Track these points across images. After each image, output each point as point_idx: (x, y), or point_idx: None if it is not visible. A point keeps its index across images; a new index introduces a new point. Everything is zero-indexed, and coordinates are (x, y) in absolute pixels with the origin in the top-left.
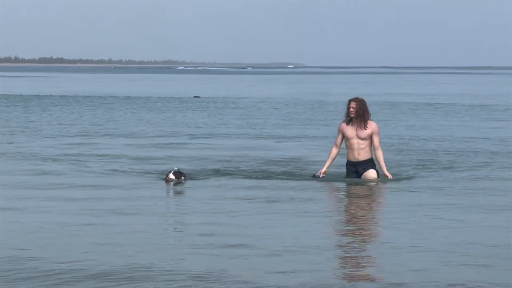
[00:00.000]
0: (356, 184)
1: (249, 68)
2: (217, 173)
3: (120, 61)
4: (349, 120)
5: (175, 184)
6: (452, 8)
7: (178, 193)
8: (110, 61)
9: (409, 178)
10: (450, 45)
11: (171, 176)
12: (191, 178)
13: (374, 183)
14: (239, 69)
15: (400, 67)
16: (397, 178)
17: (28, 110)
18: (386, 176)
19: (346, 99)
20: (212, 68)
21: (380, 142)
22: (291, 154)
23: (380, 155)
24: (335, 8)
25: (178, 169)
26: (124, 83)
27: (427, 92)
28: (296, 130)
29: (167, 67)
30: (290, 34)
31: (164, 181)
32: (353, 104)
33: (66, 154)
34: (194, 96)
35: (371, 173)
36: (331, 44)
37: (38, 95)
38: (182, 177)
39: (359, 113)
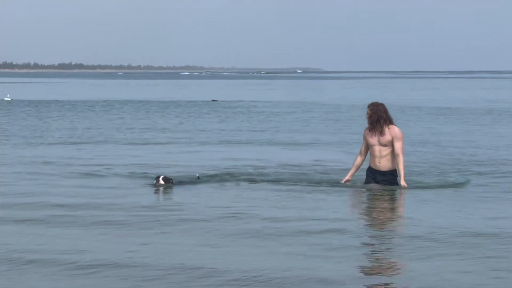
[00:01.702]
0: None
1: (262, 72)
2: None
3: (139, 67)
4: (372, 127)
5: (164, 188)
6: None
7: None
8: (129, 67)
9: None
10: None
11: (161, 181)
12: (179, 183)
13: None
14: (252, 74)
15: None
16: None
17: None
18: (402, 184)
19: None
20: (224, 73)
21: (403, 149)
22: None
23: (400, 162)
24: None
25: (165, 175)
26: (147, 88)
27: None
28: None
29: (174, 72)
30: (302, 38)
31: (153, 187)
32: (368, 110)
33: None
34: (212, 100)
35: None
36: (340, 49)
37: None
38: (170, 182)
39: (373, 119)
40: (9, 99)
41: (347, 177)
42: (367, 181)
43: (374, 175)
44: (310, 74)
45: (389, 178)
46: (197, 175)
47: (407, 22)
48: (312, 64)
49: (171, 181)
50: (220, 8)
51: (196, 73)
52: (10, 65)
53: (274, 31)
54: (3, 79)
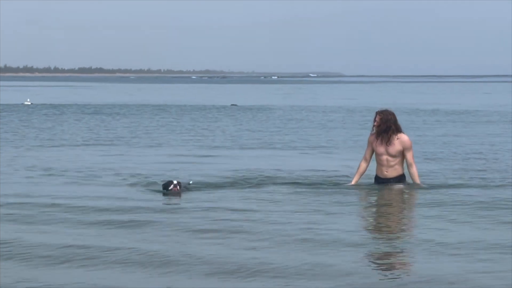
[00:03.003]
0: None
1: (274, 77)
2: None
3: (159, 71)
4: (377, 134)
5: (175, 195)
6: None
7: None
8: (149, 71)
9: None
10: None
11: (178, 187)
12: (187, 189)
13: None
14: (263, 78)
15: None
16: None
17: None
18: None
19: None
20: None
21: (414, 158)
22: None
23: (414, 173)
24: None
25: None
26: (171, 91)
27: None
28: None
29: (185, 77)
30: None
31: (165, 192)
32: (377, 118)
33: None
34: (232, 104)
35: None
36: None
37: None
38: (182, 188)
39: (382, 128)
40: (29, 103)
41: (351, 184)
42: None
43: (383, 184)
44: (329, 78)
45: (397, 180)
46: (191, 181)
47: (436, 21)
48: (330, 68)
49: (181, 184)
50: (240, 12)
51: (206, 77)
52: (31, 69)
53: (297, 36)
54: (23, 83)
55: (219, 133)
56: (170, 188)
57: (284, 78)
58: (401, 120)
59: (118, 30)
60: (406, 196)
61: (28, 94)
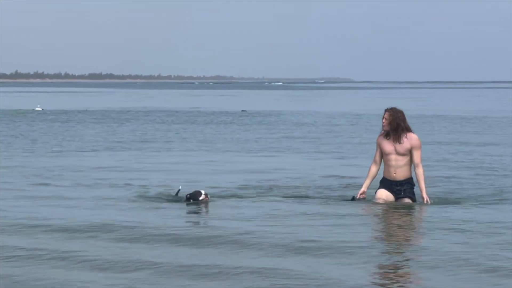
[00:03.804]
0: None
1: (278, 83)
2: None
3: (169, 77)
4: (386, 133)
5: (206, 203)
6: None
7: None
8: (159, 77)
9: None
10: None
11: (205, 196)
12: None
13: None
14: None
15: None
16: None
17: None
18: (424, 199)
19: None
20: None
21: (421, 159)
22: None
23: (420, 174)
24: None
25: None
26: (183, 98)
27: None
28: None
29: (189, 82)
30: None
31: (193, 202)
32: (386, 115)
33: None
34: (242, 110)
35: (407, 201)
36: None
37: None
38: (208, 196)
39: (392, 126)
40: (40, 109)
41: (362, 189)
42: (380, 187)
43: (391, 186)
44: (339, 84)
45: (406, 187)
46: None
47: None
48: (340, 74)
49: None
50: (249, 19)
51: (211, 83)
52: (41, 75)
53: (307, 41)
54: (34, 89)
55: (230, 139)
56: (201, 198)
57: (289, 84)
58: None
59: (127, 36)
60: (416, 214)
61: (38, 100)
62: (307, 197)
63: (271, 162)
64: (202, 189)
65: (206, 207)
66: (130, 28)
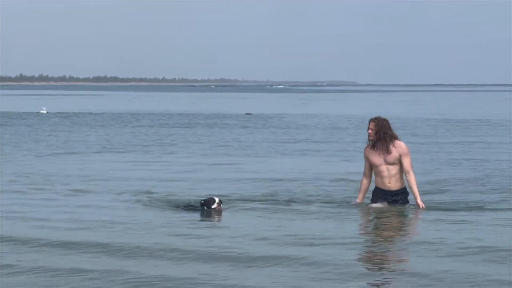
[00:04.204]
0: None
1: (280, 86)
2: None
3: (173, 80)
4: (373, 144)
5: (218, 212)
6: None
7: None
8: (163, 80)
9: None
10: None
11: (217, 205)
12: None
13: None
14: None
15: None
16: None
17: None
18: (418, 205)
19: None
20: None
21: (412, 165)
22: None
23: (411, 180)
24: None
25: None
26: (184, 101)
27: None
28: None
29: (188, 85)
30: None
31: (205, 210)
32: (371, 125)
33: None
34: (246, 113)
35: None
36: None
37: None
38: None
39: (379, 136)
40: (45, 111)
41: (357, 201)
42: (375, 201)
43: (385, 196)
44: (343, 87)
45: (401, 197)
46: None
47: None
48: (345, 77)
49: (221, 201)
50: (254, 22)
51: (213, 85)
52: (46, 78)
53: (314, 43)
54: (39, 92)
55: (236, 142)
56: (213, 206)
57: (292, 87)
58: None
59: (132, 39)
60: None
61: (43, 103)
62: (316, 201)
63: (279, 166)
64: (216, 196)
65: (219, 215)
66: (135, 31)
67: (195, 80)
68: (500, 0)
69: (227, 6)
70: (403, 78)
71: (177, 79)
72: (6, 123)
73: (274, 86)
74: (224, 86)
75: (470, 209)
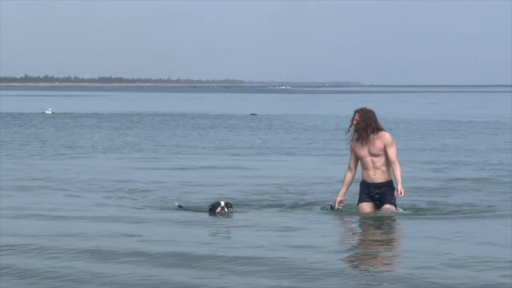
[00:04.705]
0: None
1: (283, 87)
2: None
3: (178, 80)
4: (358, 137)
5: (225, 216)
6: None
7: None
8: (168, 80)
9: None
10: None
11: (225, 209)
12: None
13: (392, 218)
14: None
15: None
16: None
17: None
18: (397, 191)
19: None
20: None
21: (397, 155)
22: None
23: (396, 170)
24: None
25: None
26: (192, 101)
27: None
28: None
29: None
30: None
31: (211, 214)
32: (356, 116)
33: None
34: (251, 114)
35: (387, 209)
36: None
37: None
38: (230, 207)
39: (361, 126)
40: (51, 112)
41: (339, 198)
42: (361, 199)
43: (369, 189)
44: (342, 88)
45: (386, 189)
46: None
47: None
48: (351, 78)
49: (229, 205)
50: (259, 22)
51: (215, 86)
52: (51, 79)
53: (323, 44)
54: (44, 93)
55: (243, 142)
56: (217, 210)
57: (295, 88)
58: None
59: (137, 40)
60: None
61: (49, 104)
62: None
63: (286, 166)
64: (223, 200)
65: (227, 218)
66: (140, 32)
67: (200, 81)
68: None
69: (234, 6)
70: (409, 80)
71: (182, 80)
72: (12, 124)
73: (277, 87)
74: (226, 87)
75: (478, 212)
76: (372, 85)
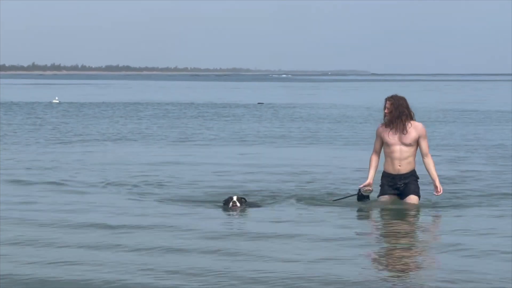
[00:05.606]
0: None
1: (283, 75)
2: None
3: (186, 69)
4: (388, 123)
5: (240, 210)
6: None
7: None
8: (175, 69)
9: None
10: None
11: (237, 203)
12: (250, 205)
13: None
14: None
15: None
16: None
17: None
18: (437, 188)
19: None
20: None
21: (429, 148)
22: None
23: (430, 163)
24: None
25: (237, 195)
26: (201, 90)
27: None
28: None
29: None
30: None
31: (224, 208)
32: (388, 104)
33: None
34: (258, 103)
35: (412, 199)
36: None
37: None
38: (244, 202)
39: (394, 115)
40: (58, 101)
41: (368, 181)
42: (384, 191)
43: (394, 181)
44: (344, 76)
45: (411, 179)
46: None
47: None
48: (358, 66)
49: (243, 200)
50: (265, 10)
51: (220, 75)
52: (58, 67)
53: (332, 33)
54: (51, 81)
55: (253, 131)
56: (229, 206)
57: (296, 77)
58: None
59: (144, 28)
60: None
61: (56, 92)
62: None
63: (298, 156)
64: (235, 195)
65: (239, 212)
66: (148, 20)
67: (207, 69)
68: None
69: None
70: (419, 68)
71: (189, 68)
72: (19, 113)
73: (276, 75)
74: (228, 75)
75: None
76: (387, 74)
